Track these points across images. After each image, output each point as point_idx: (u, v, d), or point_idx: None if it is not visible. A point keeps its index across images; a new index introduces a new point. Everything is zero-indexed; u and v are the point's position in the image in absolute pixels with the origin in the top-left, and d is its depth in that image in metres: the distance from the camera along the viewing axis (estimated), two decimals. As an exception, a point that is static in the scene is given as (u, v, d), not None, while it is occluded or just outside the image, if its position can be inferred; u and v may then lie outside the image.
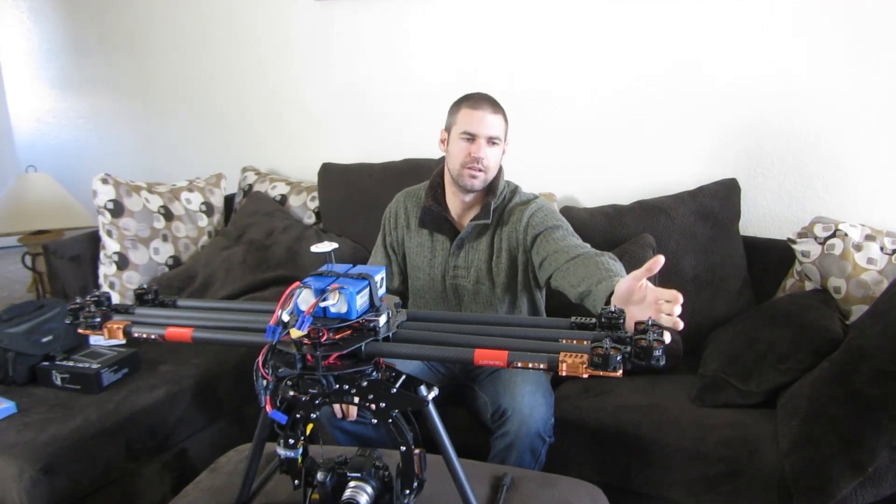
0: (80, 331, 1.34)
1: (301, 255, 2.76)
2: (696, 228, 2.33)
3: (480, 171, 1.88)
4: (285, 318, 1.15)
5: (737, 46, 2.33)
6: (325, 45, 3.06)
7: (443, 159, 2.01)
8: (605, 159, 2.61)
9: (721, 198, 2.35)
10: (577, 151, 2.65)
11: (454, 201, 1.99)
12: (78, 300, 1.36)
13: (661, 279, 2.24)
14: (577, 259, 1.74)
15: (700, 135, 2.45)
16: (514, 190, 2.03)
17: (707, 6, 2.34)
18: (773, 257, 2.33)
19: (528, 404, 1.78)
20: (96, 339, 2.39)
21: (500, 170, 1.98)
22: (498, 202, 1.97)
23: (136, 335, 1.29)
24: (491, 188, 1.96)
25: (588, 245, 1.84)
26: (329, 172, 2.99)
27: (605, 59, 2.53)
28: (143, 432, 2.06)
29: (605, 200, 2.55)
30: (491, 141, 1.88)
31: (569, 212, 2.48)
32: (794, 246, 2.22)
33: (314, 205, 3.02)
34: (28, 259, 3.67)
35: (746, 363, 1.96)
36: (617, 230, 2.38)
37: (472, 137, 1.87)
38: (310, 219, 3.02)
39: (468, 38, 2.75)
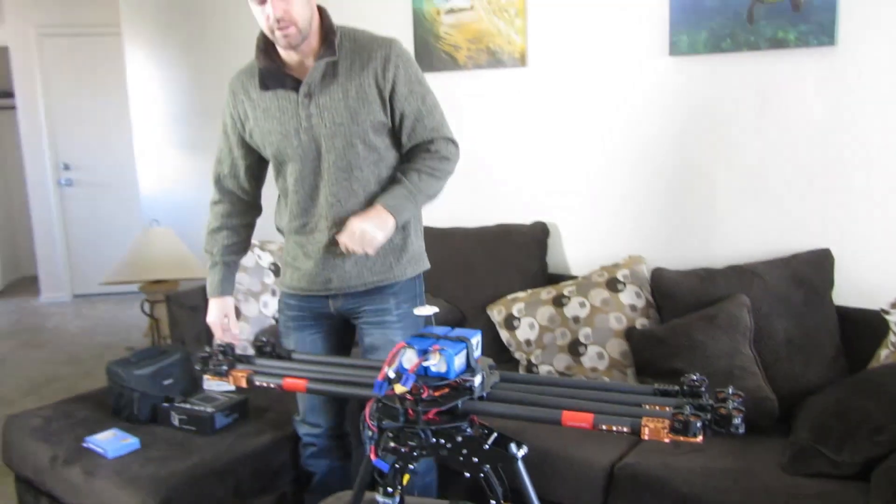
0: (207, 377, 1.51)
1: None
2: (790, 293, 2.34)
3: (288, 26, 1.79)
4: (391, 374, 1.27)
5: (828, 117, 2.37)
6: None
7: None
8: (697, 224, 2.66)
9: (814, 265, 2.36)
10: (666, 216, 2.71)
11: (290, 56, 1.90)
12: (207, 349, 1.54)
13: (754, 340, 2.28)
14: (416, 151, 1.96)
15: (793, 202, 2.47)
16: (355, 29, 1.96)
17: (802, 75, 2.39)
18: (867, 327, 2.31)
19: None
20: (209, 384, 2.59)
21: (324, 10, 1.91)
22: (339, 38, 1.90)
23: (257, 384, 1.45)
24: (325, 28, 1.89)
25: (434, 134, 1.96)
26: (424, 236, 3.14)
27: (697, 127, 2.60)
28: (249, 474, 2.21)
29: (695, 264, 2.59)
30: None
31: (660, 273, 2.55)
32: (887, 317, 2.20)
33: (411, 263, 3.17)
34: (147, 306, 3.97)
35: (839, 433, 1.95)
36: (710, 291, 2.41)
37: (261, 0, 1.78)
38: (406, 277, 3.17)
39: (560, 108, 2.88)
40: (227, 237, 2.08)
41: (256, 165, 2.07)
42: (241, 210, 2.10)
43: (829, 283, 2.36)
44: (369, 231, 1.84)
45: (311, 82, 1.88)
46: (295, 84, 1.90)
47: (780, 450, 2.06)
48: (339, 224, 1.91)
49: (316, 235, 1.97)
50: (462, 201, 3.20)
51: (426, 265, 2.13)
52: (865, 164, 2.34)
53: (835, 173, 2.38)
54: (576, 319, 2.56)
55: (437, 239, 3.09)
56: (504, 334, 2.70)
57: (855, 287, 2.41)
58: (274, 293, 3.00)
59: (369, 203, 1.92)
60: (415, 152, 1.98)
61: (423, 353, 1.28)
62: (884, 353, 2.23)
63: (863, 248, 2.39)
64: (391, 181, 1.96)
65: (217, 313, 2.08)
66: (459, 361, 1.31)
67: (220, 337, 2.08)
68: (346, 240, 1.85)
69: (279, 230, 2.12)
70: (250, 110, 1.96)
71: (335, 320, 2.08)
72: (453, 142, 2.02)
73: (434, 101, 1.99)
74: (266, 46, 1.91)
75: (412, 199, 1.92)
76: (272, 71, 1.90)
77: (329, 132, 1.89)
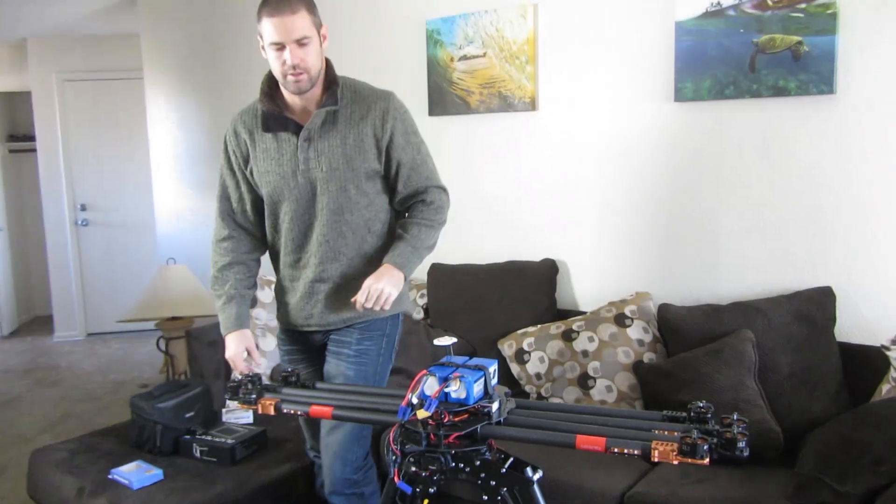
0: (237, 404, 1.59)
1: (411, 348, 2.98)
2: (793, 329, 2.41)
3: (301, 73, 1.89)
4: (414, 400, 1.35)
5: (829, 160, 2.46)
6: (437, 155, 3.33)
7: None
8: (702, 262, 2.74)
9: (817, 302, 2.44)
10: (673, 254, 2.79)
11: (294, 100, 2.00)
12: (237, 379, 1.62)
13: (759, 374, 2.34)
14: (413, 200, 2.08)
15: (795, 241, 2.55)
16: (356, 81, 2.08)
17: (803, 122, 2.49)
18: (869, 363, 2.38)
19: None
20: (228, 417, 2.66)
21: (329, 61, 2.01)
22: (341, 88, 2.01)
23: (285, 411, 1.53)
24: (329, 78, 2.00)
25: (429, 183, 2.09)
26: (437, 272, 3.24)
27: (701, 169, 2.70)
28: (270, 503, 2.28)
29: (700, 301, 2.67)
30: (299, 43, 1.87)
31: (667, 309, 2.63)
32: (888, 353, 2.27)
33: (423, 301, 3.26)
34: (163, 343, 4.05)
35: (843, 464, 2.00)
36: (715, 327, 2.48)
37: (280, 46, 1.87)
38: (419, 314, 3.25)
39: (568, 150, 2.99)
40: (241, 272, 2.13)
41: (260, 200, 2.12)
42: (252, 245, 2.16)
43: (832, 319, 2.43)
44: (385, 290, 1.92)
45: (311, 128, 1.98)
46: (296, 128, 1.99)
47: (785, 481, 2.10)
48: (327, 262, 2.02)
49: (305, 271, 2.06)
50: (474, 238, 3.29)
51: (405, 307, 2.20)
52: (865, 206, 2.42)
53: (835, 214, 2.47)
54: (585, 353, 2.63)
55: (450, 275, 3.19)
56: (515, 368, 2.77)
57: (856, 324, 2.49)
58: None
59: (357, 243, 2.04)
60: (411, 205, 2.11)
61: (445, 380, 1.36)
62: (885, 388, 2.30)
63: (863, 286, 2.47)
64: (395, 237, 2.07)
65: (237, 347, 2.11)
66: (478, 388, 1.39)
67: (242, 370, 2.09)
68: (362, 299, 1.92)
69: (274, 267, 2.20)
70: (251, 149, 2.05)
71: (320, 353, 2.15)
72: (445, 190, 2.14)
73: (427, 151, 2.12)
74: (270, 90, 2.01)
75: (416, 253, 2.03)
76: (275, 114, 2.00)
77: (325, 176, 1.99)
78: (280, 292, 2.15)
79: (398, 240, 2.05)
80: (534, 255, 3.06)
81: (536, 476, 1.42)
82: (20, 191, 6.65)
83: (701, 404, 1.35)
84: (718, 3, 2.50)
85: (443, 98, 3.24)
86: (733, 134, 2.61)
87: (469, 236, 3.32)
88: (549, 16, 2.95)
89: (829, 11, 2.32)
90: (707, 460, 1.23)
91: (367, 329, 2.09)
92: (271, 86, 2.02)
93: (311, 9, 1.91)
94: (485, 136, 3.20)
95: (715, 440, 1.26)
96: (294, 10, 1.84)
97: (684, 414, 1.37)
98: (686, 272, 2.76)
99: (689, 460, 1.23)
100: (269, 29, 1.85)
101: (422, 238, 2.05)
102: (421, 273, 3.33)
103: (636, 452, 1.27)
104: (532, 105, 3.01)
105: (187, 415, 2.49)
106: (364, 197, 2.04)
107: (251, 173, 2.07)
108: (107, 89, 5.93)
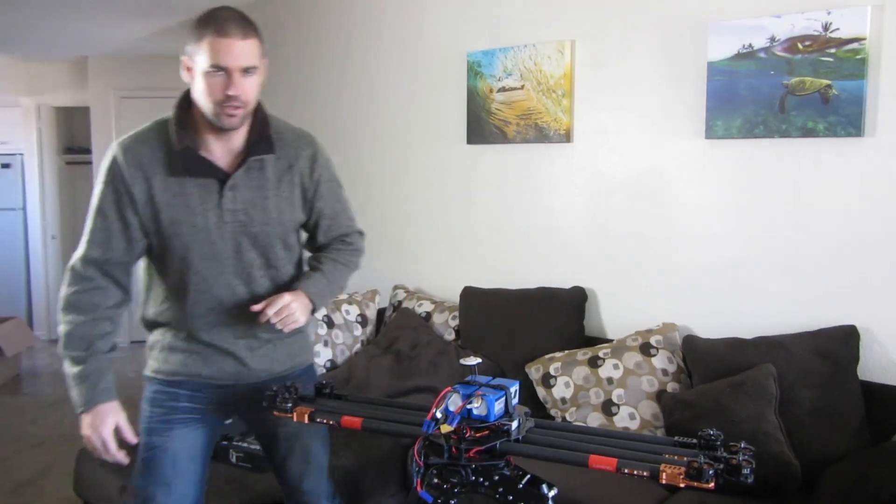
0: (274, 413, 1.69)
1: (441, 367, 3.08)
2: (815, 366, 2.44)
3: (239, 107, 1.63)
4: (438, 415, 1.45)
5: (855, 200, 2.51)
6: (473, 181, 3.48)
7: (187, 91, 1.72)
8: (728, 296, 2.79)
9: (840, 340, 2.47)
10: (699, 287, 2.85)
11: (213, 138, 1.71)
12: (274, 388, 1.73)
13: (780, 409, 2.37)
14: (329, 244, 1.93)
15: (820, 279, 2.59)
16: (276, 119, 1.82)
17: (830, 162, 2.55)
18: (891, 402, 2.41)
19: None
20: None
21: (259, 100, 1.74)
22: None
23: (318, 420, 1.63)
24: (260, 118, 1.75)
25: (349, 227, 1.97)
26: (470, 295, 3.34)
27: (729, 205, 2.76)
28: (298, 511, 2.37)
29: (725, 334, 2.72)
30: (245, 71, 1.61)
31: (692, 340, 2.69)
32: (910, 393, 2.30)
33: (455, 323, 3.36)
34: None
35: (859, 501, 2.04)
36: (738, 360, 2.53)
37: (223, 71, 1.59)
38: (450, 335, 3.35)
39: (601, 181, 3.07)
40: (109, 326, 1.79)
41: (139, 251, 1.79)
42: (119, 299, 1.81)
43: (855, 358, 2.46)
44: (297, 312, 1.74)
45: (238, 175, 1.73)
46: (216, 172, 1.72)
47: (803, 515, 2.15)
48: (255, 325, 1.78)
49: (224, 333, 1.82)
50: (506, 264, 3.38)
51: (311, 356, 2.11)
52: (891, 246, 2.46)
53: (861, 254, 2.51)
54: (610, 380, 2.70)
55: (482, 298, 3.28)
56: (541, 391, 2.84)
57: (881, 363, 2.52)
58: (326, 343, 3.20)
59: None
60: (333, 244, 1.96)
61: (467, 397, 1.45)
62: (907, 427, 2.32)
63: (888, 326, 2.50)
64: (310, 267, 1.92)
65: (111, 422, 1.75)
66: (499, 406, 1.48)
67: (114, 455, 1.76)
68: (272, 311, 1.71)
69: (148, 321, 1.89)
70: (152, 191, 1.70)
71: (220, 414, 1.95)
72: (363, 235, 2.03)
73: (346, 196, 1.97)
74: (186, 123, 1.70)
75: (329, 288, 1.88)
76: (194, 154, 1.69)
77: (253, 231, 1.77)
78: (185, 342, 1.83)
79: (313, 270, 1.88)
80: (564, 282, 3.14)
81: (552, 493, 1.50)
82: (74, 201, 6.92)
83: (711, 432, 1.42)
84: (750, 46, 2.58)
85: (481, 127, 3.36)
86: (762, 172, 2.67)
87: (502, 262, 3.41)
88: (586, 52, 3.05)
89: (858, 57, 2.38)
90: (712, 484, 1.30)
91: (305, 375, 1.97)
92: (186, 119, 1.71)
93: (261, 37, 1.67)
94: (520, 165, 3.31)
95: (721, 466, 1.32)
96: (245, 35, 1.60)
97: (694, 440, 1.44)
98: (712, 305, 2.82)
99: (696, 484, 1.30)
100: (212, 51, 1.57)
101: (336, 276, 1.91)
102: (453, 295, 3.43)
103: (645, 474, 1.34)
104: (567, 137, 3.10)
105: (227, 421, 2.60)
106: (290, 252, 1.86)
107: (151, 220, 1.72)
108: (159, 106, 6.13)
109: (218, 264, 1.76)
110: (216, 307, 1.79)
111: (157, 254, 1.79)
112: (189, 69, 1.66)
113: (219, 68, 1.59)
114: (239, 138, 1.73)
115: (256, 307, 1.73)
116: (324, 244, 1.95)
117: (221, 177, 1.72)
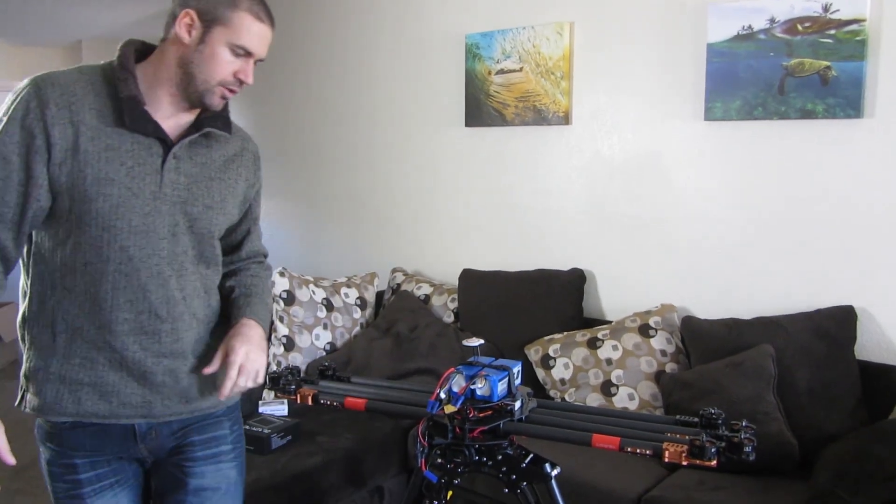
0: (277, 394, 1.70)
1: (440, 350, 3.09)
2: (813, 346, 2.46)
3: (234, 93, 1.47)
4: (442, 395, 1.46)
5: (854, 181, 2.52)
6: (472, 164, 3.48)
7: (151, 46, 1.49)
8: (726, 277, 2.80)
9: (837, 320, 2.49)
10: (698, 268, 2.86)
11: (167, 102, 1.44)
12: (276, 370, 1.74)
13: (778, 388, 2.40)
14: (249, 262, 1.68)
15: (819, 260, 2.61)
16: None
17: (829, 144, 2.55)
18: (889, 381, 2.43)
19: None
20: (264, 409, 2.79)
21: None
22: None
23: (322, 402, 1.64)
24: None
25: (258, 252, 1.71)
26: (468, 277, 3.35)
27: (728, 186, 2.77)
28: (301, 492, 2.39)
29: (723, 314, 2.73)
30: (259, 61, 1.48)
31: (690, 321, 2.71)
32: (907, 372, 2.33)
33: (454, 305, 3.36)
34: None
35: (856, 477, 2.06)
36: (736, 340, 2.55)
37: (246, 55, 1.43)
38: (449, 318, 3.35)
39: (599, 163, 3.08)
40: None
41: (32, 217, 1.39)
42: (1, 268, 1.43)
43: (852, 337, 2.48)
44: (261, 364, 1.48)
45: (182, 145, 1.45)
46: (160, 133, 1.43)
47: (800, 492, 2.17)
48: (183, 330, 1.47)
49: (144, 340, 1.44)
50: (505, 246, 3.39)
51: None
52: (888, 227, 2.48)
53: (859, 235, 2.53)
54: (609, 361, 2.72)
55: (480, 280, 3.29)
56: (540, 373, 2.86)
57: (877, 343, 2.54)
58: (325, 326, 3.21)
59: (207, 305, 1.54)
60: (248, 264, 1.69)
61: (471, 378, 1.46)
62: (903, 406, 2.35)
63: (885, 307, 2.52)
64: (241, 293, 1.60)
65: None
66: (502, 387, 1.49)
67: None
68: (242, 383, 1.44)
69: (24, 336, 1.57)
70: (85, 141, 1.37)
71: (136, 465, 1.54)
72: (267, 257, 1.78)
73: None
74: (131, 74, 1.42)
75: (266, 311, 1.62)
76: (139, 107, 1.40)
77: (193, 212, 1.48)
78: (76, 370, 1.44)
79: (245, 295, 1.59)
80: (563, 264, 3.15)
81: (555, 472, 1.51)
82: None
83: (712, 410, 1.43)
84: (749, 27, 2.57)
85: (479, 110, 3.35)
86: (761, 154, 2.68)
87: (500, 244, 3.42)
88: (585, 34, 3.05)
89: (857, 38, 2.38)
90: (714, 462, 1.31)
91: (233, 411, 1.66)
92: (131, 65, 1.43)
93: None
94: (519, 148, 3.30)
95: (723, 444, 1.34)
96: (273, 24, 1.48)
97: (696, 419, 1.46)
98: (710, 286, 2.83)
99: (698, 461, 1.32)
100: (247, 32, 1.41)
101: (265, 300, 1.63)
102: (452, 277, 3.44)
103: (648, 452, 1.36)
104: (566, 119, 3.10)
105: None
106: (217, 255, 1.57)
107: (70, 174, 1.37)
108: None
109: (149, 242, 1.42)
110: (139, 299, 1.42)
111: (62, 223, 1.40)
112: (190, 28, 1.40)
113: (244, 50, 1.42)
114: (193, 112, 1.49)
115: (207, 370, 1.45)
116: (243, 259, 1.67)
117: (160, 137, 1.43)
